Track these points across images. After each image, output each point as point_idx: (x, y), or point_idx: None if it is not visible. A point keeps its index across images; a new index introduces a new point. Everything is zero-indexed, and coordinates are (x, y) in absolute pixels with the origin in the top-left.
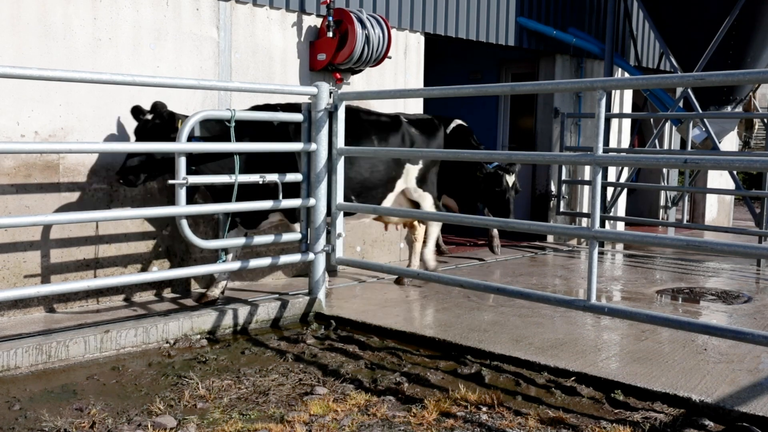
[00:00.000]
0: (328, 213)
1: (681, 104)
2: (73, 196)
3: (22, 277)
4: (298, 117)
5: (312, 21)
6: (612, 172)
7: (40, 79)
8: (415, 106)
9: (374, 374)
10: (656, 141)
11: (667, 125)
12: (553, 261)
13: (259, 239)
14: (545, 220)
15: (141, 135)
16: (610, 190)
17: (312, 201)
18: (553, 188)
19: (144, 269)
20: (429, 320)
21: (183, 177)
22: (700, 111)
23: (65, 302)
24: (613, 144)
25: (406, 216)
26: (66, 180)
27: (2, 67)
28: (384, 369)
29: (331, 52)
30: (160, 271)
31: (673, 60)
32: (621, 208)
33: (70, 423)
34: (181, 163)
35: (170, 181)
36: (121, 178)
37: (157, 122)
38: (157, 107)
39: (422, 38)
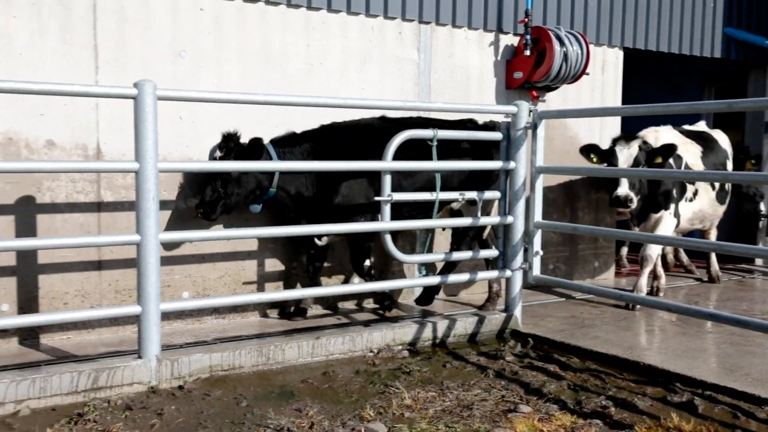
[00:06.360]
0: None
1: None
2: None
3: (241, 284)
4: (497, 135)
5: (509, 40)
6: None
7: (265, 104)
8: (613, 124)
9: (578, 396)
10: None
11: None
12: (763, 286)
13: (457, 255)
14: (752, 242)
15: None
16: None
17: (510, 218)
18: (763, 207)
19: (346, 281)
20: (631, 343)
21: (388, 194)
22: None
23: (276, 308)
24: None
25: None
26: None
27: (232, 94)
28: (587, 391)
29: (527, 71)
30: (364, 284)
31: None
32: None
33: (292, 422)
34: (386, 181)
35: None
36: None
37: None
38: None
39: (621, 53)
